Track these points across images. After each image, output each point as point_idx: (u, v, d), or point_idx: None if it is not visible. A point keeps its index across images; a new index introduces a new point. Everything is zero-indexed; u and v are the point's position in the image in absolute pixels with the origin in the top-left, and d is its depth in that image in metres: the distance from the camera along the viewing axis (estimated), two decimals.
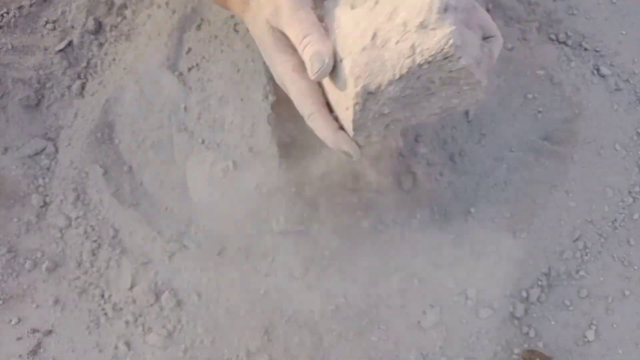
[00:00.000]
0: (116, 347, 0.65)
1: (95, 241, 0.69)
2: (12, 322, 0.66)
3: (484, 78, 0.43)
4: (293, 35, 0.46)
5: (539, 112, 0.74)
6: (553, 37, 0.79)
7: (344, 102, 0.45)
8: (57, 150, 0.73)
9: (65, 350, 0.65)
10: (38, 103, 0.75)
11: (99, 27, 0.77)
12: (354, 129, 0.46)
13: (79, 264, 0.68)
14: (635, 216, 0.70)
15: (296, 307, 0.66)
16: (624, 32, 0.80)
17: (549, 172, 0.72)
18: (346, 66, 0.44)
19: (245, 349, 0.64)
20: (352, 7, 0.46)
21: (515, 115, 0.74)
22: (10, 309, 0.67)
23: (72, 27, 0.78)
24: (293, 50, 0.48)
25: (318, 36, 0.46)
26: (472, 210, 0.70)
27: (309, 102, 0.48)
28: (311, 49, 0.45)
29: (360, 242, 0.68)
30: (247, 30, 0.54)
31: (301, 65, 0.47)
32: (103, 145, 0.72)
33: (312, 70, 0.45)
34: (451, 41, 0.39)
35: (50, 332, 0.66)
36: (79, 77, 0.75)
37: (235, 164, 0.67)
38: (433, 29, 0.40)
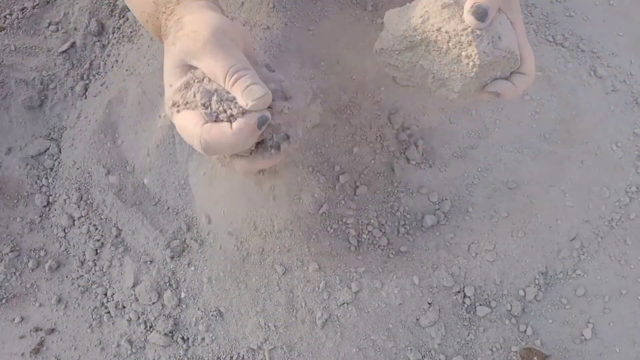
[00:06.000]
0: (118, 345, 0.65)
1: (98, 240, 0.69)
2: (15, 321, 0.66)
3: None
4: (219, 65, 0.47)
5: (537, 112, 0.75)
6: (550, 38, 0.79)
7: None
8: (60, 151, 0.73)
9: (67, 348, 0.65)
10: (41, 104, 0.75)
11: (101, 29, 0.78)
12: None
13: (82, 263, 0.69)
14: (632, 215, 0.71)
15: (296, 306, 0.66)
16: (620, 34, 0.80)
17: (546, 172, 0.72)
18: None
19: (246, 347, 0.64)
20: None
21: (513, 116, 0.74)
22: (13, 308, 0.67)
23: (75, 28, 0.78)
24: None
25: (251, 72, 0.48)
26: (470, 209, 0.71)
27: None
28: (246, 81, 0.47)
29: (360, 241, 0.69)
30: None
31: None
32: (106, 145, 0.72)
33: (250, 98, 0.46)
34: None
35: (53, 330, 0.66)
36: (81, 78, 0.76)
37: None
38: None
